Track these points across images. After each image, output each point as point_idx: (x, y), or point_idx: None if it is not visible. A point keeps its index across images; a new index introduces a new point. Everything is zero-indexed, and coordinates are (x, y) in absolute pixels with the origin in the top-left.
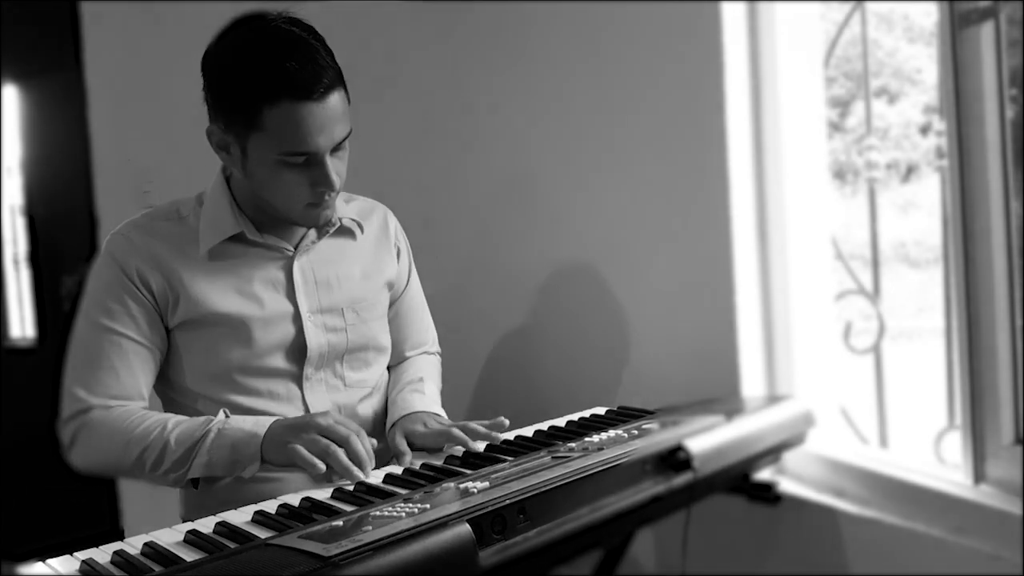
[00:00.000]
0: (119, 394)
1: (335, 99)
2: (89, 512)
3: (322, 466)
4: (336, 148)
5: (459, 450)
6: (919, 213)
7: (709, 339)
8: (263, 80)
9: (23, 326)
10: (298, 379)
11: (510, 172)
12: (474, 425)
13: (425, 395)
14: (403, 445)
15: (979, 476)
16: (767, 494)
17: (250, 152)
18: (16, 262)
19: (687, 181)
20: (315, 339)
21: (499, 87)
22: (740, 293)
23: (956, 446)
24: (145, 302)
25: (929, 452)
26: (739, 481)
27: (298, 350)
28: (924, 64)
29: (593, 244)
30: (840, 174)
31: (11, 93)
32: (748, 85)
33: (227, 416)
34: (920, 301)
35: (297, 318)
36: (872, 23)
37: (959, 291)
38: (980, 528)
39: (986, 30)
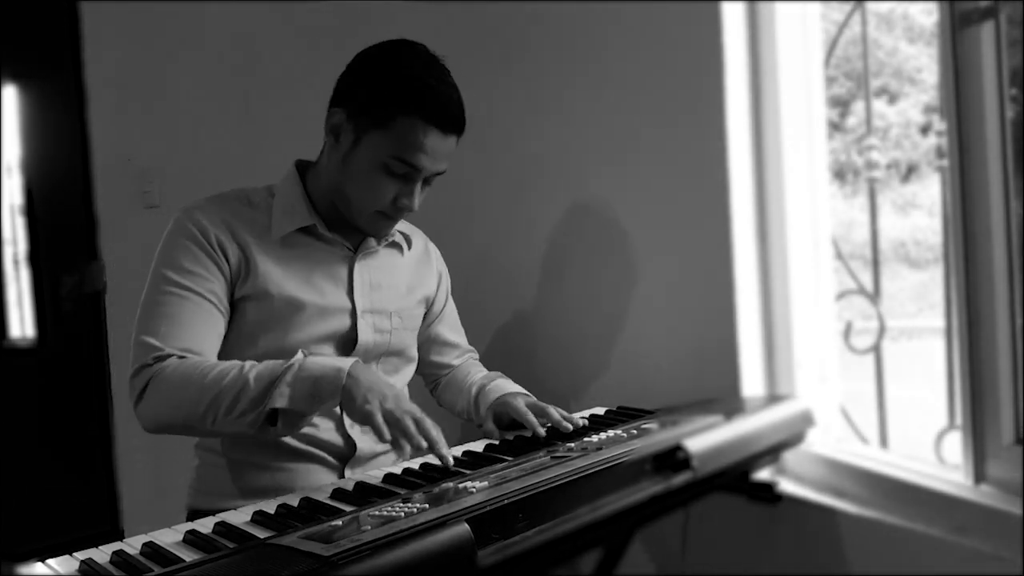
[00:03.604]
0: (193, 347)
1: (453, 141)
2: (89, 512)
3: (388, 435)
4: (429, 178)
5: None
6: (919, 213)
7: (709, 339)
8: (412, 93)
9: (23, 326)
10: None
11: (508, 172)
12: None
13: (509, 380)
14: (529, 415)
15: (979, 476)
16: (767, 494)
17: (363, 144)
18: (16, 262)
19: (687, 181)
20: (366, 336)
21: (498, 88)
22: (740, 293)
23: (956, 446)
24: (224, 266)
25: (929, 452)
26: (739, 481)
27: (347, 343)
28: (924, 64)
29: (592, 244)
30: (840, 174)
31: (11, 93)
32: (748, 85)
33: (306, 355)
34: (920, 301)
35: (353, 314)
36: (872, 23)
37: (959, 291)
38: (980, 528)
39: (986, 30)
